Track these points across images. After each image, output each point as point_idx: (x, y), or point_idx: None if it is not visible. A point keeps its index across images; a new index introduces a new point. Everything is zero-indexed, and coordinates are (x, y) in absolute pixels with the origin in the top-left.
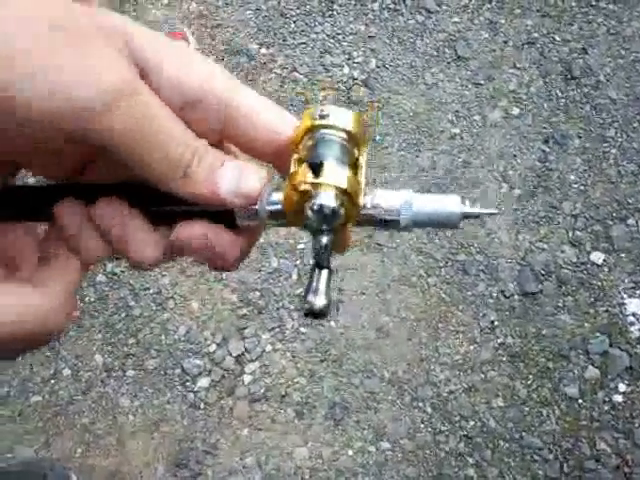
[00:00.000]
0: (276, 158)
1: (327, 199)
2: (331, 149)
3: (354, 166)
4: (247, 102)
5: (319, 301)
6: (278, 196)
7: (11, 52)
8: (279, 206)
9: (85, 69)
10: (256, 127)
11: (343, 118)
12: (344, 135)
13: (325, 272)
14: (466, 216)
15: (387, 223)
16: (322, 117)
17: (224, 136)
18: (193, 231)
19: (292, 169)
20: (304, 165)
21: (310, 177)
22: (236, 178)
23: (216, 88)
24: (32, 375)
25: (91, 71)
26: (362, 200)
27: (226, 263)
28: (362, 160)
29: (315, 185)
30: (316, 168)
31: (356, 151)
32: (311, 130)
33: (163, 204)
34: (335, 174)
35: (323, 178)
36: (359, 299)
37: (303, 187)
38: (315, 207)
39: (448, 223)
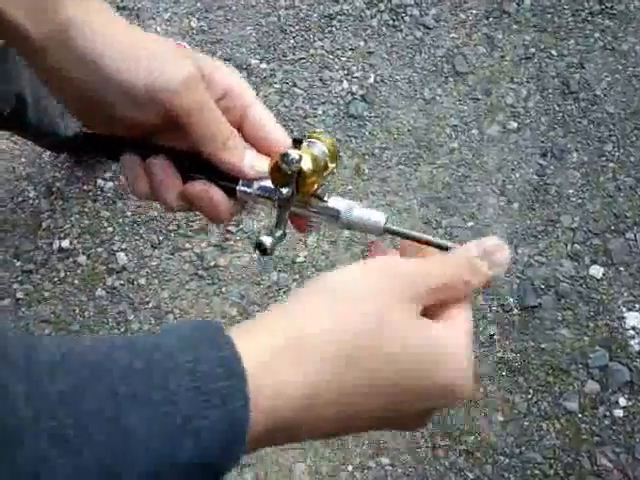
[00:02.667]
0: (268, 154)
1: (294, 153)
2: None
3: (324, 167)
4: (260, 112)
5: (266, 241)
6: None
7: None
8: (268, 182)
9: (172, 59)
10: (265, 133)
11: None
12: (321, 146)
13: (283, 225)
14: (387, 230)
15: (331, 218)
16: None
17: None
18: (200, 186)
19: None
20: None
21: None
22: (254, 159)
23: (239, 88)
24: None
25: (176, 61)
26: (316, 182)
27: (216, 216)
28: (330, 166)
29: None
30: (296, 144)
31: (329, 163)
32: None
33: (195, 169)
34: (304, 152)
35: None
36: None
37: (283, 150)
38: (285, 158)
39: (373, 230)
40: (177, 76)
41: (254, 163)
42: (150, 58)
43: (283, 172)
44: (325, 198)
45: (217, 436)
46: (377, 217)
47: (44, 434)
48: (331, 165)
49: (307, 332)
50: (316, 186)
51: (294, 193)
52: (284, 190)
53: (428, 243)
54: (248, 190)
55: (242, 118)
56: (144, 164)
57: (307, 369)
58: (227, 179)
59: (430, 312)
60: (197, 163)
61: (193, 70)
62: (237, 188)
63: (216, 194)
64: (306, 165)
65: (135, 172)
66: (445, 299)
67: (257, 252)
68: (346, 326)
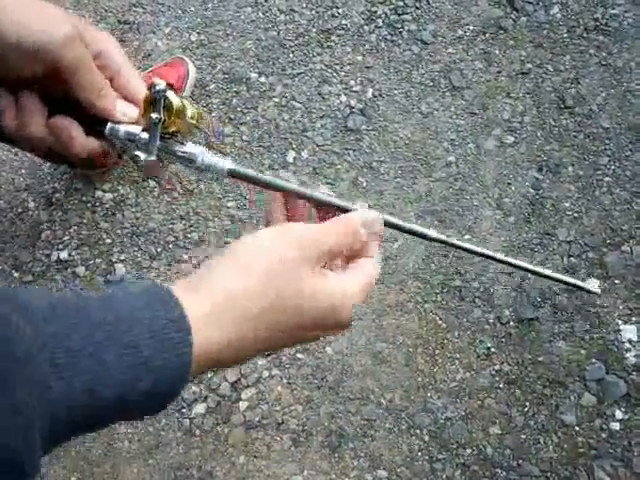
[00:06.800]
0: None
1: (161, 82)
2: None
3: (188, 118)
4: (129, 71)
5: (141, 155)
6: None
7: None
8: (133, 127)
9: (55, 21)
10: (133, 88)
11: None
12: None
13: (156, 145)
14: (233, 173)
15: (188, 161)
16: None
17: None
18: (65, 121)
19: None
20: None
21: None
22: (124, 106)
23: (112, 50)
24: None
25: (59, 23)
26: (177, 125)
27: (72, 148)
28: (191, 121)
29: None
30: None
31: (191, 119)
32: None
33: (65, 112)
34: (174, 94)
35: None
36: (356, 325)
37: (154, 81)
38: (154, 86)
39: (221, 173)
40: (61, 34)
41: (124, 109)
42: (38, 18)
43: (152, 99)
44: (184, 143)
45: (168, 372)
46: (225, 162)
47: (45, 361)
48: (191, 120)
49: (231, 295)
50: (176, 127)
51: (161, 120)
52: (154, 115)
53: (286, 192)
54: (116, 131)
55: (113, 75)
56: (15, 98)
57: (234, 324)
58: (96, 124)
59: (336, 266)
60: (68, 107)
61: (73, 30)
62: (105, 130)
63: (76, 129)
64: (174, 100)
65: (4, 103)
66: (340, 255)
67: (134, 164)
68: (262, 288)
